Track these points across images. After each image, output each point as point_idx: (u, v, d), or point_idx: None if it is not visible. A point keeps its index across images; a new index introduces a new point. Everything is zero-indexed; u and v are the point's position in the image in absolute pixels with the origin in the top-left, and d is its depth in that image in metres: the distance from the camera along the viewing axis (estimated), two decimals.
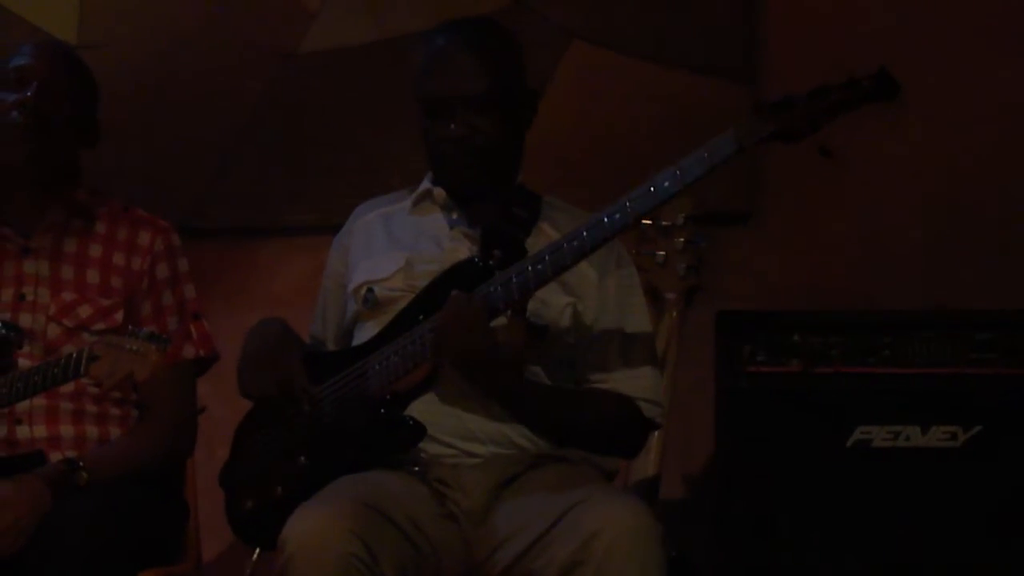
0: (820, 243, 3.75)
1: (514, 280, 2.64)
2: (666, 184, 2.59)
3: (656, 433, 3.12)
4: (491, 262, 2.71)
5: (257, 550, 2.89)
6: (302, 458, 2.77)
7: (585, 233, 2.62)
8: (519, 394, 2.71)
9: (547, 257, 2.63)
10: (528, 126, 2.91)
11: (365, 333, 2.84)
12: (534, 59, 3.71)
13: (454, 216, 2.88)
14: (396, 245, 2.88)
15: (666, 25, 3.78)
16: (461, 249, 2.83)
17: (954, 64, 3.71)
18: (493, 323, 2.65)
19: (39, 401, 2.86)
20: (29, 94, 2.92)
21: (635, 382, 2.80)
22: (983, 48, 3.73)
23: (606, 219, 2.61)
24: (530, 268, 2.64)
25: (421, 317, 2.73)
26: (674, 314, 3.30)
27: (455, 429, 2.73)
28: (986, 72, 3.73)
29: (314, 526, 2.49)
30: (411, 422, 2.69)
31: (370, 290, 2.84)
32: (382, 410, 2.72)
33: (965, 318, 3.18)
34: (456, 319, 2.63)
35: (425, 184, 2.93)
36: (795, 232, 3.76)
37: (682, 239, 3.33)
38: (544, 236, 2.83)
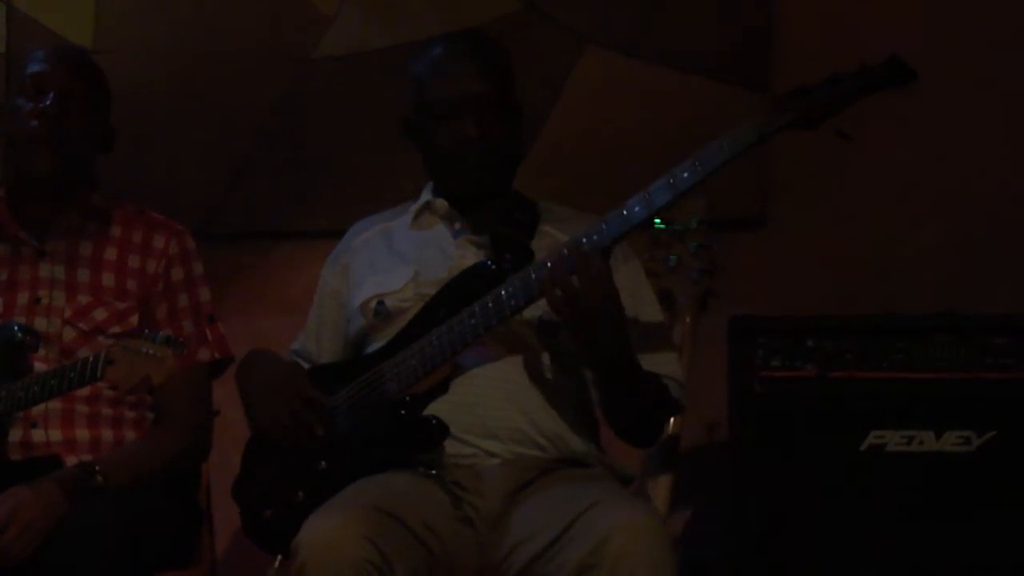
0: (834, 247, 3.74)
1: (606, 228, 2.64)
2: (685, 175, 2.61)
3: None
4: (506, 266, 2.72)
5: (279, 557, 2.87)
6: (322, 463, 2.77)
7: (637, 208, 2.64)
8: (625, 356, 2.69)
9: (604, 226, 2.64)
10: (520, 137, 2.93)
11: (374, 345, 2.84)
12: (548, 64, 3.75)
13: (457, 226, 2.89)
14: (401, 259, 2.89)
15: (681, 30, 3.77)
16: (468, 256, 2.84)
17: (971, 68, 3.70)
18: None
19: (54, 405, 2.87)
20: (48, 103, 2.93)
21: (659, 364, 2.82)
22: (1000, 50, 3.72)
23: (631, 210, 2.64)
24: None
25: (442, 313, 2.73)
26: (687, 319, 3.29)
27: (473, 426, 2.73)
28: (1003, 74, 3.72)
29: (327, 532, 2.49)
30: (434, 421, 2.70)
31: (380, 302, 2.85)
32: (402, 411, 2.73)
33: (979, 322, 3.18)
34: (588, 271, 2.60)
35: (425, 196, 2.94)
36: (809, 236, 3.75)
37: (695, 243, 3.31)
38: (547, 238, 2.85)
